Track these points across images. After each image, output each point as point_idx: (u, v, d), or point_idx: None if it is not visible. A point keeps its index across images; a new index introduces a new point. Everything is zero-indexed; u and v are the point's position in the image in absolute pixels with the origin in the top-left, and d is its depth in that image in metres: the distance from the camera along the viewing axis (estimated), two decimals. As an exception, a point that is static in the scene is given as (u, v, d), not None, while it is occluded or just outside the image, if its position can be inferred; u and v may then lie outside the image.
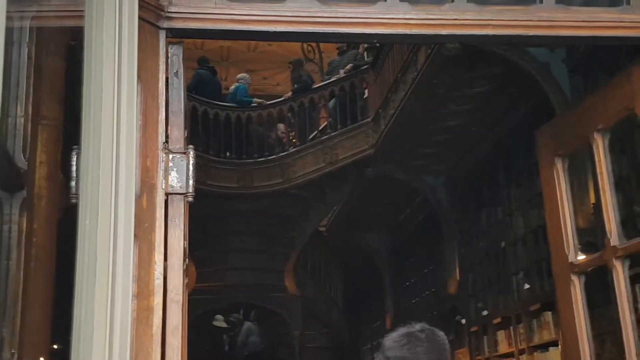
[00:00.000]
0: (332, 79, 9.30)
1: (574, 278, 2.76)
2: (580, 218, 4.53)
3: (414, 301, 10.43)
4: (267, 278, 10.25)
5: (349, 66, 9.13)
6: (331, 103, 9.27)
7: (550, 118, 5.63)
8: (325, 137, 9.01)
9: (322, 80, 9.96)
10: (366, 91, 8.96)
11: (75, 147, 1.81)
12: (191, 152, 2.00)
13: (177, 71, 2.00)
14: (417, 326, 1.70)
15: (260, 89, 13.16)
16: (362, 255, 11.75)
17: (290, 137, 9.46)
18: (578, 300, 2.74)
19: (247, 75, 10.07)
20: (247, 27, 2.07)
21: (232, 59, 13.19)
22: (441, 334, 1.74)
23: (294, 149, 9.10)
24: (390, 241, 11.42)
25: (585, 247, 2.91)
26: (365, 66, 8.94)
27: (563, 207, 2.72)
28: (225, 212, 9.27)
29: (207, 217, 8.39)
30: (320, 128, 9.61)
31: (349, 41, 7.23)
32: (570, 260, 2.79)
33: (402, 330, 1.69)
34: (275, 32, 2.10)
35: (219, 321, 10.42)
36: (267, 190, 9.11)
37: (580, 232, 2.90)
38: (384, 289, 11.60)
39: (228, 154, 9.12)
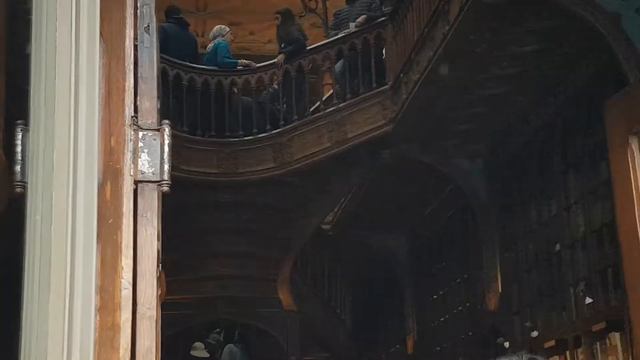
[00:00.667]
0: (340, 35, 9.29)
1: (652, 290, 2.79)
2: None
3: (442, 319, 10.51)
4: (255, 289, 10.31)
5: (361, 18, 9.12)
6: (338, 66, 9.28)
7: (620, 85, 5.69)
8: (330, 109, 9.03)
9: (327, 37, 9.95)
10: (383, 51, 8.96)
11: (20, 122, 1.82)
12: (166, 129, 2.00)
13: (148, 25, 2.00)
14: (525, 357, 1.92)
15: (247, 47, 13.18)
16: (376, 261, 11.80)
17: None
18: (657, 319, 2.76)
19: (226, 28, 10.04)
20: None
21: (211, 9, 13.20)
22: None
23: (291, 125, 9.11)
24: (412, 243, 11.48)
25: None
26: (382, 18, 8.93)
27: (639, 198, 2.74)
28: (203, 204, 9.30)
29: (179, 211, 8.43)
30: (324, 98, 9.62)
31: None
32: (646, 268, 2.82)
33: (511, 358, 1.92)
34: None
35: (199, 350, 10.43)
36: (255, 177, 9.14)
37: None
38: (404, 303, 11.67)
39: (206, 130, 9.14)
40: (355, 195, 10.15)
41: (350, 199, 10.36)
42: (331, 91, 9.65)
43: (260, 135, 9.19)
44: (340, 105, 8.96)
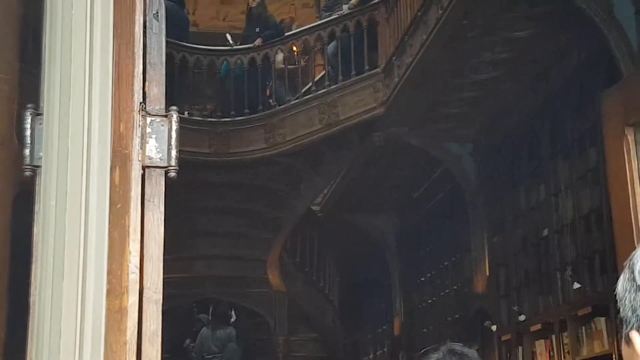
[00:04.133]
0: (333, 17, 9.28)
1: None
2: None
3: (430, 301, 10.57)
4: (244, 269, 10.35)
5: (354, 0, 9.12)
6: (330, 47, 9.27)
7: (611, 72, 5.72)
8: (322, 91, 9.03)
9: (319, 18, 9.93)
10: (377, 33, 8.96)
11: (30, 106, 1.83)
12: (174, 115, 2.04)
13: (157, 12, 2.02)
14: (445, 348, 1.96)
15: (238, 26, 13.11)
16: (365, 243, 11.85)
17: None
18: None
19: None
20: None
21: (203, -13, 13.10)
22: (473, 354, 1.98)
23: (282, 106, 9.11)
24: (401, 225, 11.52)
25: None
26: (376, 1, 8.92)
27: (634, 189, 2.78)
28: (193, 184, 9.28)
29: (170, 190, 8.41)
30: (315, 79, 9.61)
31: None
32: None
33: (432, 355, 1.96)
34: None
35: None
36: (247, 158, 9.15)
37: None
38: (392, 285, 11.74)
39: (198, 110, 9.13)
40: (345, 177, 10.17)
41: (340, 181, 10.38)
42: (323, 73, 9.64)
43: (252, 116, 9.18)
44: (332, 87, 8.96)
